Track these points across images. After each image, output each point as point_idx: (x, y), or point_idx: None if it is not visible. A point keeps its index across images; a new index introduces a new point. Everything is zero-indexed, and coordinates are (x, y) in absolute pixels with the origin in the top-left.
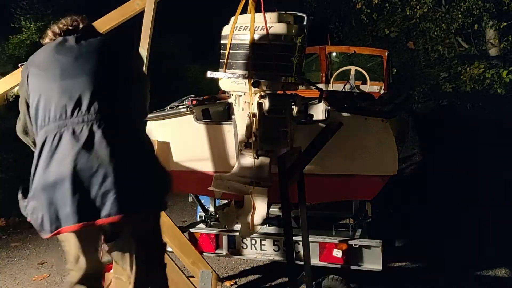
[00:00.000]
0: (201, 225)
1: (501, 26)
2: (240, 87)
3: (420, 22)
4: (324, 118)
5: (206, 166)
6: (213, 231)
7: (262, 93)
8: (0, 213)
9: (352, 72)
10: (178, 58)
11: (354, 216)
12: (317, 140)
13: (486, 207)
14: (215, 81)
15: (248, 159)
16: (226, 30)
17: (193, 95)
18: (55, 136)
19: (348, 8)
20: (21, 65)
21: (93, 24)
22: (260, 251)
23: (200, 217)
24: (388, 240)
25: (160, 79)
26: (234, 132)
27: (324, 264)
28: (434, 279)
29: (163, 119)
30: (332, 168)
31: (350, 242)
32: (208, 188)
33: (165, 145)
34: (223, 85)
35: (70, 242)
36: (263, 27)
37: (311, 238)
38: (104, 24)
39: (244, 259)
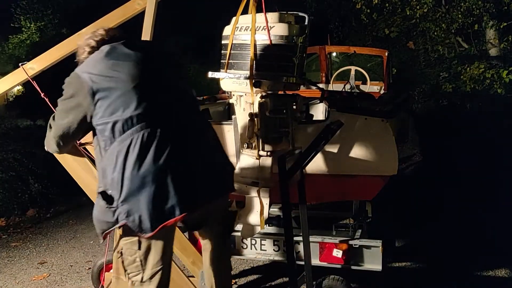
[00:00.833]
0: None
1: (501, 26)
2: (241, 88)
3: (420, 22)
4: (324, 118)
5: None
6: None
7: (264, 93)
8: (0, 213)
9: (352, 72)
10: (179, 58)
11: (354, 216)
12: (318, 140)
13: (486, 207)
14: (215, 81)
15: (250, 160)
16: (227, 30)
17: None
18: (142, 137)
19: (348, 8)
20: (21, 65)
21: (94, 24)
22: (260, 251)
23: None
24: (388, 240)
25: None
26: (234, 132)
27: (324, 264)
28: (434, 279)
29: None
30: (332, 168)
31: (350, 242)
32: None
33: None
34: (224, 85)
35: (163, 239)
36: (265, 28)
37: (311, 238)
38: (105, 24)
39: (244, 259)
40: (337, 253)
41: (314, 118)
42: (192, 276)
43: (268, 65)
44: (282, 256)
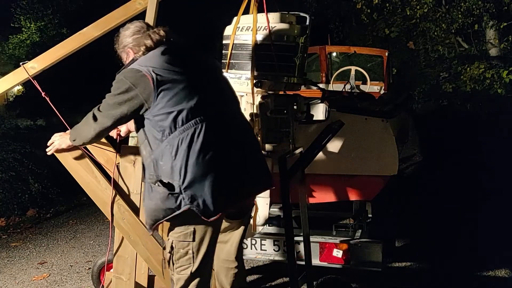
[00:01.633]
0: None
1: (501, 26)
2: (242, 88)
3: (420, 22)
4: (324, 118)
5: None
6: None
7: (265, 94)
8: (0, 213)
9: (352, 72)
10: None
11: (354, 216)
12: (319, 140)
13: (486, 207)
14: None
15: None
16: (228, 30)
17: None
18: (205, 126)
19: (348, 8)
20: (22, 64)
21: (94, 24)
22: (260, 251)
23: None
24: (388, 240)
25: None
26: None
27: (324, 264)
28: (434, 279)
29: None
30: (332, 168)
31: (350, 242)
32: None
33: None
34: None
35: (216, 227)
36: (266, 28)
37: (311, 238)
38: (106, 23)
39: (244, 259)
40: (337, 253)
41: (314, 118)
42: None
43: (269, 65)
44: (282, 256)
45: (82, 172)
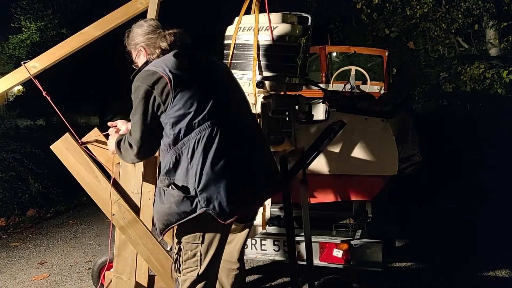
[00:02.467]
0: None
1: (501, 26)
2: (244, 88)
3: (420, 22)
4: (324, 118)
5: None
6: None
7: (266, 94)
8: (0, 213)
9: (352, 72)
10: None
11: (354, 216)
12: (320, 140)
13: (486, 207)
14: None
15: None
16: (230, 30)
17: None
18: (221, 129)
19: (348, 8)
20: (24, 63)
21: (95, 23)
22: (260, 251)
23: None
24: (388, 240)
25: None
26: None
27: (324, 264)
28: (434, 279)
29: None
30: (332, 168)
31: (351, 242)
32: None
33: None
34: None
35: (225, 232)
36: (268, 28)
37: (311, 238)
38: (107, 23)
39: (244, 259)
40: (337, 253)
41: (314, 118)
42: None
43: (270, 66)
44: (283, 256)
45: (82, 172)
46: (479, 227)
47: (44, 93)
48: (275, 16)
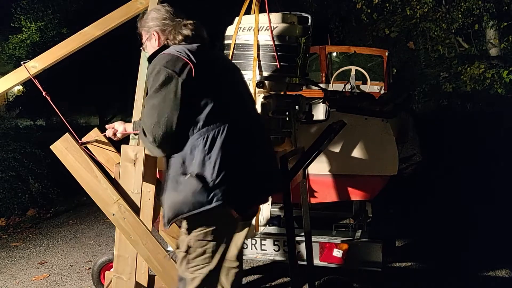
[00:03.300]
0: None
1: (502, 26)
2: None
3: (420, 22)
4: (324, 118)
5: None
6: None
7: (266, 94)
8: (0, 213)
9: (353, 72)
10: None
11: (354, 216)
12: (320, 140)
13: (486, 207)
14: None
15: None
16: (230, 30)
17: None
18: (234, 125)
19: (348, 8)
20: (24, 63)
21: (95, 23)
22: (260, 251)
23: None
24: (388, 240)
25: None
26: None
27: (324, 264)
28: (434, 279)
29: None
30: (332, 168)
31: (351, 242)
32: None
33: None
34: None
35: (235, 227)
36: (268, 28)
37: (312, 238)
38: (107, 23)
39: (244, 259)
40: (337, 253)
41: (314, 118)
42: None
43: (271, 66)
44: (282, 256)
45: (82, 172)
46: (479, 227)
47: (44, 93)
48: (275, 16)
